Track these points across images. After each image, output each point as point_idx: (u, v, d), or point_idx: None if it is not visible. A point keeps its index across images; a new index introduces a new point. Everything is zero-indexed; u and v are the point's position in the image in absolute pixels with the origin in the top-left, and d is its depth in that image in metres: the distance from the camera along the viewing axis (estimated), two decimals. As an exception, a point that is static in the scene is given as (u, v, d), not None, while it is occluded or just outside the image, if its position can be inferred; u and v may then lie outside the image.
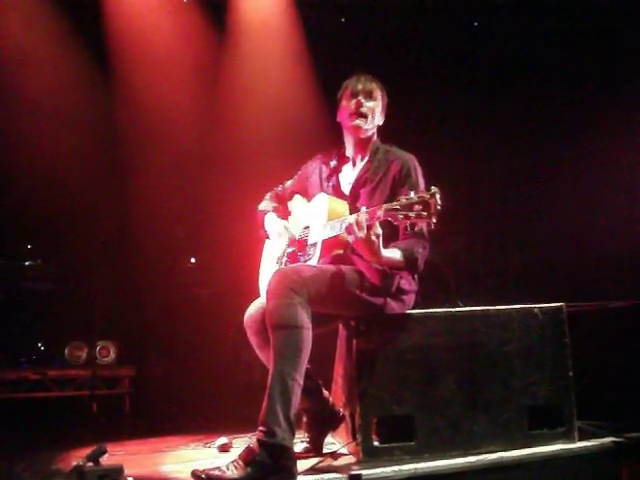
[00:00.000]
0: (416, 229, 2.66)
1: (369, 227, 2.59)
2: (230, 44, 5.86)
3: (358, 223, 2.61)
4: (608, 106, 5.37)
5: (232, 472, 2.46)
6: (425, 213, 2.45)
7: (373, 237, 2.60)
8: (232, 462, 2.50)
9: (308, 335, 2.64)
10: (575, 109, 5.58)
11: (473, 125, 6.04)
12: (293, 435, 2.56)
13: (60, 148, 5.36)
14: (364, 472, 2.57)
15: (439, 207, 2.46)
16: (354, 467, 2.71)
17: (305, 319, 2.64)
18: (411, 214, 2.48)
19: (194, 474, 2.48)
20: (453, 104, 6.01)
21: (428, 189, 2.51)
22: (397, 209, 2.51)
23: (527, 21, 5.80)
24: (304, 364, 2.62)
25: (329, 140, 3.56)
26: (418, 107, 5.75)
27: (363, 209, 2.65)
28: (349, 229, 2.64)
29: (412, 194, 2.51)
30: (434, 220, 2.47)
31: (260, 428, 2.52)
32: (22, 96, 5.21)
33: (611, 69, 5.45)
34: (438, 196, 2.46)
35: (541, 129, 5.85)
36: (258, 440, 2.50)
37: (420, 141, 3.22)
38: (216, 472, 2.46)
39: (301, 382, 2.59)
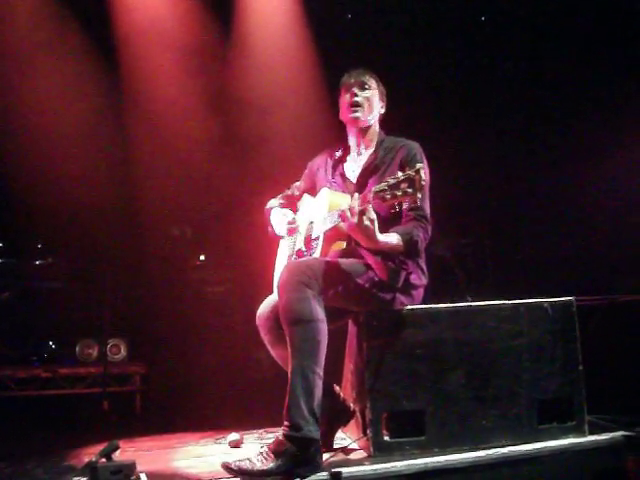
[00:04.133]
0: (419, 212, 2.63)
1: (362, 212, 2.59)
2: (236, 41, 5.85)
3: (351, 209, 2.61)
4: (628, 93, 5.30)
5: (262, 463, 2.48)
6: (410, 190, 2.45)
7: (367, 222, 2.60)
8: (260, 453, 2.51)
9: (324, 327, 2.65)
10: (594, 97, 5.49)
11: (481, 117, 6.00)
12: (318, 427, 2.57)
13: (70, 149, 5.38)
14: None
15: (423, 182, 2.46)
16: (365, 462, 2.73)
17: (319, 311, 2.65)
18: (398, 193, 2.48)
19: (225, 466, 2.49)
20: (460, 100, 5.98)
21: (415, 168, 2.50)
22: (385, 190, 2.52)
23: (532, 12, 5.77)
24: (323, 356, 2.63)
25: (336, 135, 3.56)
26: (424, 103, 5.74)
27: (356, 195, 2.65)
28: (342, 216, 2.65)
29: (399, 173, 2.52)
30: (419, 196, 2.46)
31: (285, 423, 2.54)
32: (32, 98, 5.22)
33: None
34: (422, 172, 2.46)
35: (553, 120, 5.79)
36: (285, 435, 2.52)
37: (425, 135, 3.20)
38: (246, 464, 2.48)
39: (321, 374, 2.61)
